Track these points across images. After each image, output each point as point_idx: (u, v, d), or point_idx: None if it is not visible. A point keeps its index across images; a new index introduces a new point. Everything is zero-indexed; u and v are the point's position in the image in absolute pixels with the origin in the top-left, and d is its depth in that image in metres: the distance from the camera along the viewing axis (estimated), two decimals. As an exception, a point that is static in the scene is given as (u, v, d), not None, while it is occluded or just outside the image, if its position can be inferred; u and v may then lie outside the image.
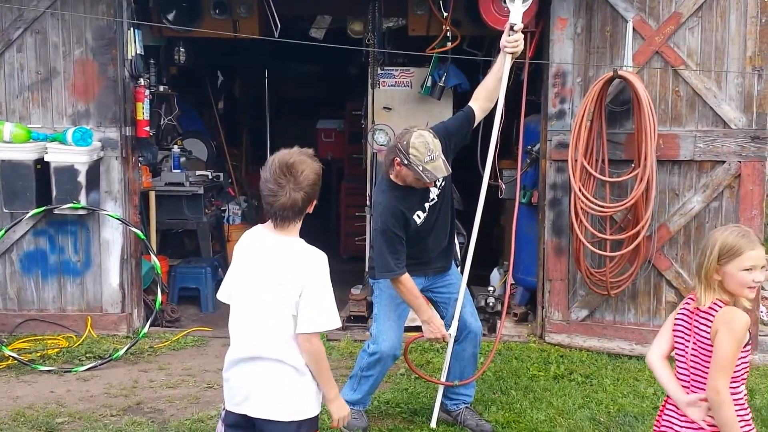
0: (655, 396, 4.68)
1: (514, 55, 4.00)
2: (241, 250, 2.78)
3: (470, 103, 4.15)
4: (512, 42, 3.93)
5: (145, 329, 5.55)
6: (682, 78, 5.16)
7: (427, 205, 4.04)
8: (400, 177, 3.92)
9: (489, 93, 4.11)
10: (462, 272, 4.26)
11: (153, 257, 5.69)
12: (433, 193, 4.04)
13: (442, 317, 4.21)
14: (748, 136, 5.07)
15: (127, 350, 5.31)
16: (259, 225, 2.79)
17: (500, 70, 4.03)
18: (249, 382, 2.64)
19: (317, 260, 2.65)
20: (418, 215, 4.01)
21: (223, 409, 2.76)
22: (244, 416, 2.67)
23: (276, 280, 2.62)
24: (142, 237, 5.66)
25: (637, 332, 5.37)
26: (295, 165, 2.61)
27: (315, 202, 2.72)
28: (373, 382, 4.20)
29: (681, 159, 5.19)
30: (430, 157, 3.75)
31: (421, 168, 3.75)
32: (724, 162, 5.13)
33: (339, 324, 2.67)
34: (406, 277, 3.92)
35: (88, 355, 5.35)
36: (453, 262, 4.38)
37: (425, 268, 4.16)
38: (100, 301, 5.79)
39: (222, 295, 2.80)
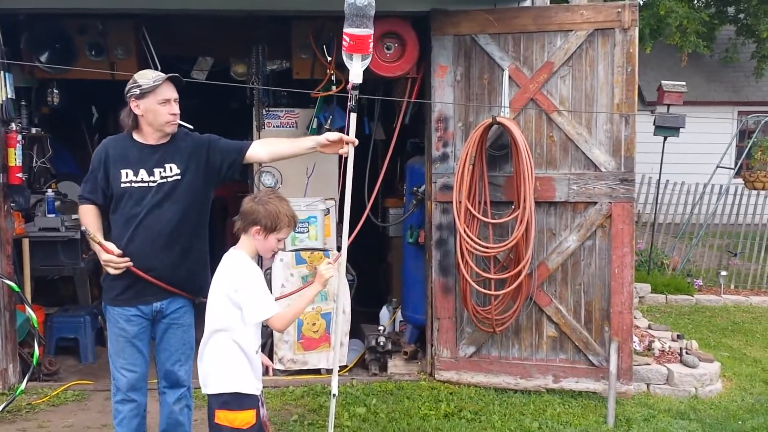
0: (540, 430, 4.87)
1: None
2: None
3: (256, 142, 3.97)
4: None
5: (23, 386, 5.27)
6: (556, 124, 5.41)
7: (155, 170, 3.70)
8: (146, 122, 3.69)
9: (277, 155, 3.94)
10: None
11: (28, 309, 5.42)
12: (171, 170, 3.73)
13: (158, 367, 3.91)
14: (617, 179, 5.36)
15: (3, 409, 5.02)
16: None
17: (300, 150, 3.86)
18: None
19: (241, 262, 3.34)
20: (127, 173, 3.69)
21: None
22: None
23: (216, 284, 3.36)
24: (17, 289, 5.38)
25: (521, 367, 5.57)
26: (264, 193, 3.45)
27: (257, 228, 3.33)
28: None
29: (557, 200, 5.43)
30: (158, 76, 3.69)
31: (152, 81, 3.65)
32: (596, 203, 5.39)
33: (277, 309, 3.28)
34: (85, 209, 3.77)
35: (-42, 417, 5.03)
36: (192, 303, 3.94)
37: (140, 289, 3.73)
38: (-30, 358, 5.46)
39: None
